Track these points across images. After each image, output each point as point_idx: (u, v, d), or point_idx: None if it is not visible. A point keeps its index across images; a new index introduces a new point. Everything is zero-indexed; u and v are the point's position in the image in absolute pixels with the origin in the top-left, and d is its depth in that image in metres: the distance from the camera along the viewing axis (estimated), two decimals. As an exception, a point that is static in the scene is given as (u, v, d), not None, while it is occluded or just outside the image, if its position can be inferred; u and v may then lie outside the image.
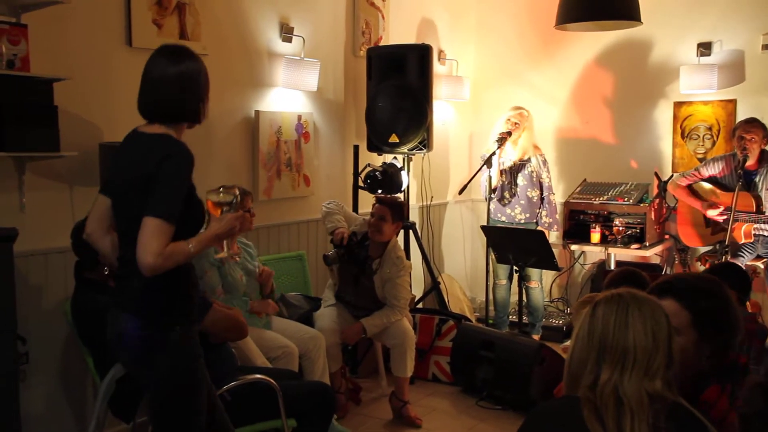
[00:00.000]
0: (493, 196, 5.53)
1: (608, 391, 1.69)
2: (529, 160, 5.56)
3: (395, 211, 4.42)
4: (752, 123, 5.01)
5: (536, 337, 5.56)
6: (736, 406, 1.72)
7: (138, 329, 2.45)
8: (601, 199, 5.63)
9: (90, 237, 2.64)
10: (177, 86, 2.47)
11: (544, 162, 5.63)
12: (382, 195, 4.72)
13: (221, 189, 2.66)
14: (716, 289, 2.15)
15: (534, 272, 5.57)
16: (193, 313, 2.57)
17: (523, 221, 5.59)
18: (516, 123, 5.51)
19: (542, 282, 5.77)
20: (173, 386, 2.51)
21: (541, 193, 5.61)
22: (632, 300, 1.77)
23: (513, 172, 5.58)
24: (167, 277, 2.41)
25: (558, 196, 6.18)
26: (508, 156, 5.56)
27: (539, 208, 5.62)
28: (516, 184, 5.58)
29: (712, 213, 5.17)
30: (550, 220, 5.61)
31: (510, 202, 5.60)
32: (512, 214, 5.60)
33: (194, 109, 2.52)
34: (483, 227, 5.36)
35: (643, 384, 1.69)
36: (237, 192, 2.67)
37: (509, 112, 5.56)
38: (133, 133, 2.55)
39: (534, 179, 5.57)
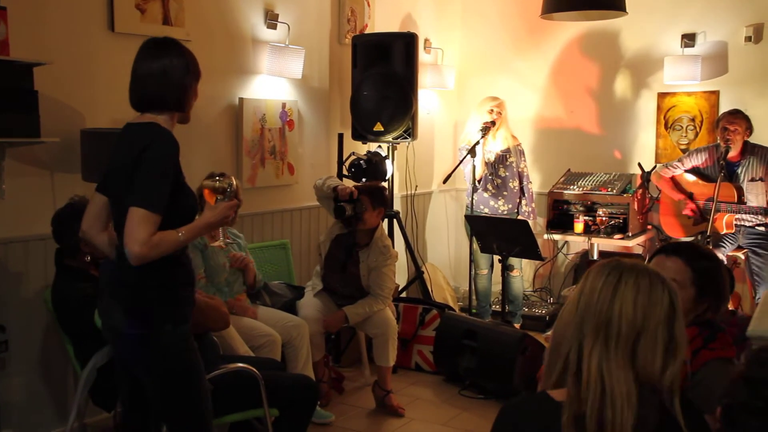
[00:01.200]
0: (477, 186, 5.53)
1: (594, 375, 1.50)
2: (509, 150, 5.57)
3: (375, 197, 4.39)
4: (735, 114, 5.04)
5: (517, 325, 5.59)
6: (718, 396, 1.71)
7: (131, 327, 2.44)
8: (585, 189, 5.65)
9: (85, 235, 2.64)
10: (160, 78, 2.47)
11: (522, 152, 5.65)
12: (361, 183, 4.70)
13: (218, 177, 2.65)
14: (714, 256, 2.50)
15: (515, 261, 5.59)
16: (188, 312, 2.54)
17: (506, 212, 5.60)
18: (499, 113, 5.51)
19: (522, 271, 5.80)
20: (171, 382, 2.51)
21: (520, 183, 5.63)
22: (629, 269, 1.60)
23: (496, 164, 5.58)
24: (162, 274, 2.41)
25: (542, 186, 6.20)
26: (489, 147, 5.56)
27: (519, 198, 5.64)
28: (500, 176, 5.58)
29: (685, 211, 5.25)
30: (529, 208, 5.63)
31: (494, 193, 5.60)
32: (496, 205, 5.61)
33: (177, 100, 2.51)
34: (467, 216, 5.37)
35: (634, 369, 1.52)
36: (233, 180, 2.66)
37: (489, 102, 5.55)
38: (125, 126, 2.55)
39: (514, 169, 5.59)
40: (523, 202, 5.64)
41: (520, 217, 5.54)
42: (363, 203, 4.32)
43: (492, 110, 5.51)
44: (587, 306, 1.58)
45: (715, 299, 2.35)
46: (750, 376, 1.61)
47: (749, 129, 5.02)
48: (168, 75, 2.48)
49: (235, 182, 2.68)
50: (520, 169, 5.62)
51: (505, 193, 5.59)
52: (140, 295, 2.45)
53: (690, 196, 5.27)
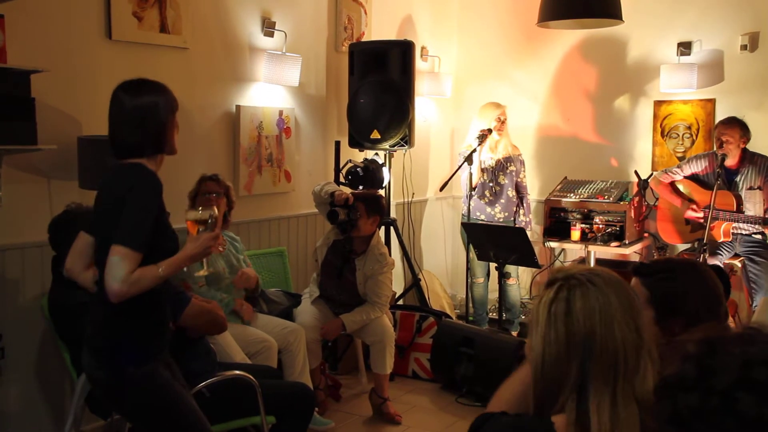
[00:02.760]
0: (473, 193, 5.53)
1: (606, 427, 1.44)
2: (510, 159, 5.58)
3: (369, 205, 4.39)
4: (729, 124, 5.02)
5: (514, 333, 5.58)
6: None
7: (96, 368, 2.47)
8: (582, 196, 5.66)
9: (69, 272, 2.65)
10: (133, 122, 2.46)
11: (522, 161, 5.67)
12: (357, 191, 4.71)
13: (200, 208, 2.66)
14: (680, 274, 2.20)
15: (511, 269, 5.59)
16: (151, 350, 2.52)
17: (501, 220, 5.61)
18: (503, 121, 5.52)
19: (519, 278, 5.80)
20: (152, 419, 2.53)
21: (519, 193, 5.64)
22: (607, 287, 1.51)
23: (495, 170, 5.58)
24: (124, 311, 2.40)
25: (539, 194, 6.21)
26: (489, 154, 5.56)
27: (517, 207, 5.65)
28: (499, 184, 5.59)
29: (691, 214, 5.21)
30: (527, 218, 5.64)
31: (491, 200, 5.61)
32: (492, 212, 5.62)
33: (157, 143, 2.49)
34: (464, 224, 5.37)
35: (635, 394, 1.46)
36: (215, 211, 2.65)
37: (495, 109, 5.53)
38: (112, 168, 2.54)
39: (514, 178, 5.60)
40: (521, 211, 5.65)
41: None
42: (358, 210, 4.32)
43: (499, 118, 5.50)
44: (588, 338, 1.48)
45: (678, 322, 2.13)
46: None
47: (745, 137, 5.01)
48: (145, 121, 2.46)
49: (215, 212, 2.67)
50: (519, 179, 5.63)
51: (502, 200, 5.60)
52: (103, 335, 2.46)
53: (690, 201, 5.27)
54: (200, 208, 2.64)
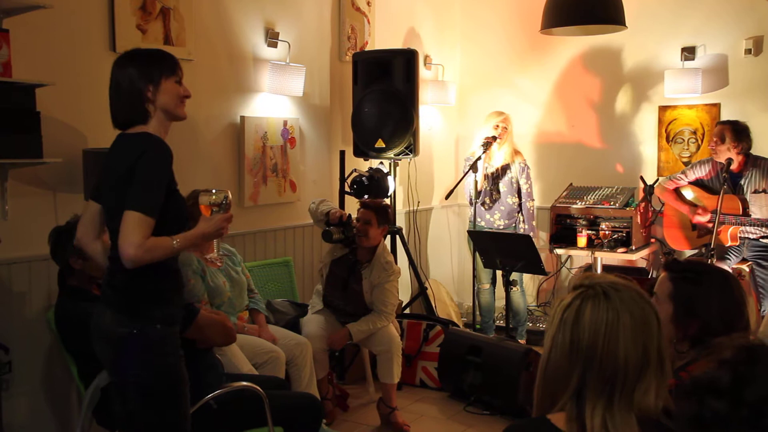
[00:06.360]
0: (477, 200, 5.53)
1: (598, 426, 1.45)
2: (509, 166, 5.57)
3: (380, 215, 4.41)
4: (717, 133, 5.00)
5: (521, 341, 5.56)
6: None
7: (120, 324, 2.46)
8: (588, 203, 5.64)
9: (79, 242, 2.68)
10: (117, 94, 2.53)
11: (524, 168, 5.65)
12: (367, 199, 4.72)
13: (213, 190, 2.69)
14: (707, 279, 2.24)
15: (515, 277, 5.57)
16: (176, 315, 2.57)
17: (502, 227, 5.61)
18: (505, 128, 5.52)
19: (523, 285, 5.78)
20: (150, 386, 2.48)
21: (520, 200, 5.63)
22: (622, 303, 1.51)
23: (495, 178, 5.58)
24: (152, 277, 2.45)
25: (544, 200, 6.19)
26: (491, 161, 5.56)
27: (518, 214, 5.64)
28: (498, 191, 5.59)
29: (699, 219, 5.19)
30: (527, 225, 5.63)
31: (491, 207, 5.61)
32: (491, 219, 5.61)
33: (136, 112, 2.52)
34: (470, 232, 5.36)
35: (634, 407, 1.47)
36: (228, 193, 2.69)
37: (495, 117, 5.56)
38: (118, 136, 2.59)
39: (514, 185, 5.59)
40: (521, 218, 5.65)
41: (521, 233, 5.54)
42: (354, 226, 4.34)
43: (497, 126, 5.51)
44: (590, 350, 1.49)
45: (702, 324, 2.16)
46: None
47: (735, 140, 4.93)
48: (124, 92, 2.51)
49: (230, 196, 2.70)
50: (520, 186, 5.62)
51: (501, 207, 5.60)
52: (130, 297, 2.48)
53: (696, 207, 5.25)
54: (214, 191, 2.68)
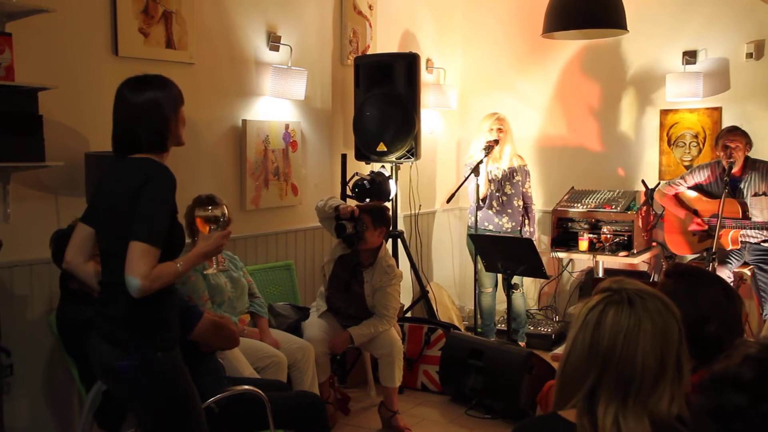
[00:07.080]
0: (482, 204, 5.52)
1: (609, 424, 1.49)
2: (515, 169, 5.58)
3: (375, 217, 4.39)
4: (734, 131, 5.06)
5: (522, 344, 5.56)
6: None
7: (121, 359, 2.44)
8: (589, 206, 5.64)
9: (69, 265, 2.63)
10: (137, 119, 2.47)
11: (527, 172, 5.67)
12: (362, 203, 4.71)
13: (210, 206, 2.67)
14: (705, 279, 2.25)
15: (516, 279, 5.57)
16: (174, 337, 2.55)
17: (509, 230, 5.60)
18: (500, 128, 5.51)
19: (523, 288, 5.78)
20: (168, 410, 2.50)
21: (525, 203, 5.64)
22: (645, 311, 1.53)
23: (502, 181, 5.58)
24: (146, 303, 2.41)
25: (546, 204, 6.20)
26: (495, 164, 5.56)
27: (523, 217, 5.65)
28: (506, 194, 5.58)
29: (694, 227, 5.21)
30: (532, 229, 5.64)
31: (499, 210, 5.60)
32: (500, 223, 5.61)
33: (159, 139, 2.49)
34: (471, 235, 5.36)
35: (647, 410, 1.49)
36: (225, 209, 2.67)
37: (488, 119, 5.55)
38: (119, 160, 2.54)
39: (520, 188, 5.60)
40: (526, 222, 5.65)
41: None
42: (364, 222, 4.32)
43: (492, 129, 5.51)
44: (608, 354, 1.52)
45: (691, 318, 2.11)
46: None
47: (749, 144, 5.04)
48: (148, 117, 2.46)
49: (227, 210, 2.69)
50: (524, 190, 5.62)
51: (509, 210, 5.59)
52: (129, 327, 2.45)
53: (695, 213, 5.26)
54: (210, 207, 2.66)
